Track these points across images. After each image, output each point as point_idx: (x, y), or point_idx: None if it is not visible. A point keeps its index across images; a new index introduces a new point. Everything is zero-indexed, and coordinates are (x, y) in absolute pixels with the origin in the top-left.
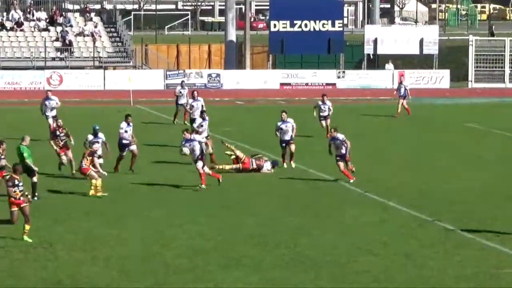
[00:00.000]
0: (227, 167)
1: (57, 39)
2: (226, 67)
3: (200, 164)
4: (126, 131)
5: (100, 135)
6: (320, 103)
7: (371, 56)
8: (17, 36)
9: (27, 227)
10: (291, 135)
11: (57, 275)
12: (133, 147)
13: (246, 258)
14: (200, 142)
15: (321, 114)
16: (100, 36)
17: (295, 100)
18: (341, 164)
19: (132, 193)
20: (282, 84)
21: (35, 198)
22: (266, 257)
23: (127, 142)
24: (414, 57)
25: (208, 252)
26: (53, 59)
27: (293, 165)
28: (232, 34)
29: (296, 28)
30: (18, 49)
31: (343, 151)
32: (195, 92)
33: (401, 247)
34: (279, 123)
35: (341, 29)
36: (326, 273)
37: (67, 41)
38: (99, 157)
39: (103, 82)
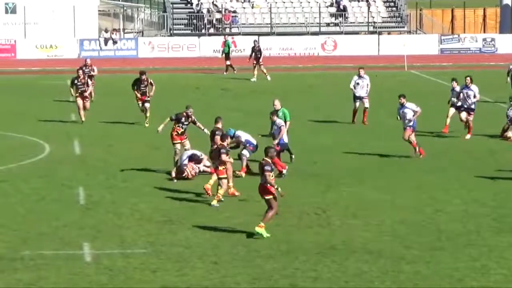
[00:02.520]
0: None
1: (331, 5)
2: (501, 31)
3: None
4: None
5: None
6: None
7: None
8: (292, 2)
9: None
10: None
11: (330, 240)
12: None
13: None
14: None
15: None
16: (375, 1)
17: None
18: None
19: (405, 161)
20: None
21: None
22: None
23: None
24: None
25: (482, 217)
26: (328, 24)
27: None
28: None
29: None
30: (292, 14)
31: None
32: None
33: None
34: None
35: None
36: None
37: (341, 7)
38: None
39: (377, 48)
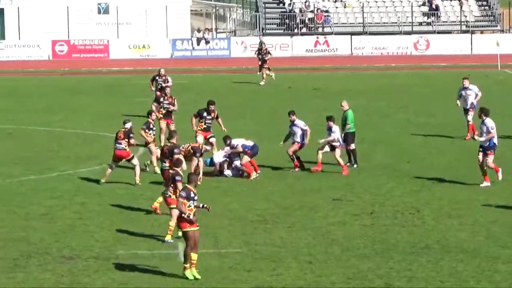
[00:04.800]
0: None
1: (424, 4)
2: None
3: None
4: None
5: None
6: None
7: None
8: (384, 1)
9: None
10: None
11: (425, 240)
12: None
13: None
14: None
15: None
16: (467, 0)
17: None
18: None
19: None
20: None
21: (355, 166)
22: None
23: None
24: None
25: None
26: (420, 24)
27: None
28: None
29: None
30: (385, 14)
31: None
32: None
33: None
34: None
35: None
36: None
37: (434, 6)
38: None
39: (470, 47)
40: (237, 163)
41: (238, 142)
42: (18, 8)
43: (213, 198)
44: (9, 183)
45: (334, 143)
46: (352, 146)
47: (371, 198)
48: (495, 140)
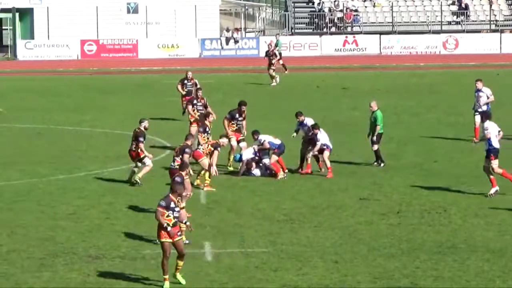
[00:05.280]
0: None
1: (453, 3)
2: None
3: None
4: None
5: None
6: None
7: None
8: (413, 0)
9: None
10: None
11: (451, 239)
12: None
13: None
14: None
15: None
16: None
17: None
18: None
19: None
20: None
21: (382, 165)
22: None
23: None
24: None
25: None
26: (449, 23)
27: None
28: None
29: None
30: (414, 13)
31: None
32: None
33: None
34: None
35: None
36: None
37: (463, 5)
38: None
39: (499, 46)
40: (266, 161)
41: (266, 138)
42: (48, 8)
43: (240, 197)
44: (37, 182)
45: (322, 147)
46: (375, 147)
47: (398, 197)
48: (495, 144)
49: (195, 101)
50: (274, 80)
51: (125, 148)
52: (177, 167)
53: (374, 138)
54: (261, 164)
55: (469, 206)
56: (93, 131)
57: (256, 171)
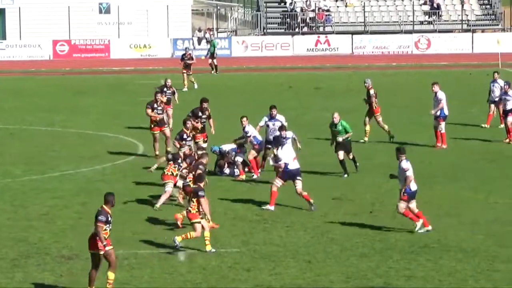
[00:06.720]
0: None
1: (425, 3)
2: None
3: None
4: None
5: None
6: None
7: None
8: (385, 0)
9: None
10: None
11: (424, 239)
12: None
13: None
14: None
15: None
16: None
17: None
18: None
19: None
20: None
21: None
22: None
23: None
24: None
25: None
26: (421, 22)
27: None
28: None
29: None
30: (386, 13)
31: None
32: None
33: None
34: None
35: None
36: None
37: (435, 5)
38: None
39: (471, 45)
40: (239, 159)
41: (252, 132)
42: (19, 8)
43: (214, 197)
44: (11, 182)
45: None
46: (351, 155)
47: (371, 197)
48: (412, 187)
49: (155, 105)
50: (193, 83)
51: (99, 149)
52: (189, 183)
53: (341, 146)
54: (231, 162)
55: (441, 205)
56: (66, 131)
57: (228, 171)
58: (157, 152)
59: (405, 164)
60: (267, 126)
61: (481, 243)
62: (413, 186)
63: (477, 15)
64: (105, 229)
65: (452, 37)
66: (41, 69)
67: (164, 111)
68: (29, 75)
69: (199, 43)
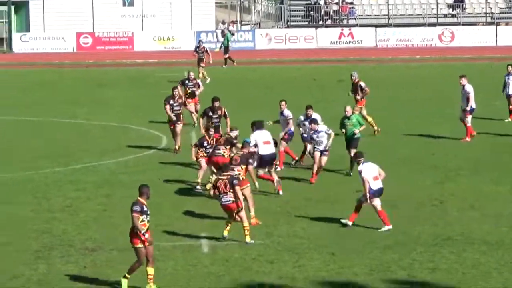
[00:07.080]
0: None
1: None
2: None
3: None
4: None
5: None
6: None
7: None
8: None
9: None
10: None
11: (447, 232)
12: None
13: None
14: None
15: None
16: None
17: None
18: None
19: None
20: None
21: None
22: None
23: None
24: None
25: None
26: (445, 15)
27: None
28: None
29: None
30: (410, 6)
31: None
32: None
33: None
34: None
35: None
36: None
37: None
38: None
39: (495, 38)
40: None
41: (290, 115)
42: (43, 0)
43: None
44: (34, 174)
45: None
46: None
47: (394, 190)
48: (373, 186)
49: (171, 101)
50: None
51: (122, 141)
52: (238, 176)
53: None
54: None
55: (465, 198)
56: (89, 123)
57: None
58: (176, 146)
59: (360, 167)
60: (303, 125)
61: (505, 236)
62: (375, 185)
63: (501, 8)
64: (142, 220)
65: (476, 30)
66: (64, 62)
67: (187, 104)
68: (53, 68)
69: (223, 36)
